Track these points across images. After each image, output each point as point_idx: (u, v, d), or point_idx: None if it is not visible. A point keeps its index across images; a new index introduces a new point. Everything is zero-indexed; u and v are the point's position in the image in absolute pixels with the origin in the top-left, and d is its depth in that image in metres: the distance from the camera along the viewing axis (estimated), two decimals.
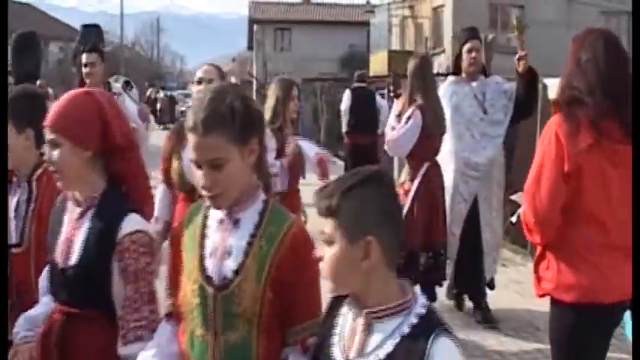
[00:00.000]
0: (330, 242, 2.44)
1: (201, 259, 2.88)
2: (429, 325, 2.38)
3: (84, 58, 8.11)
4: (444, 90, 7.69)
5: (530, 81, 7.23)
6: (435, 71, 11.55)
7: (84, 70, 8.05)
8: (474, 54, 7.57)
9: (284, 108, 6.87)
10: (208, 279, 2.85)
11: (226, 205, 2.86)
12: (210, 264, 2.87)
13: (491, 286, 7.79)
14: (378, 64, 38.17)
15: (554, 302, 3.91)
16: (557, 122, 3.81)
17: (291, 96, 6.95)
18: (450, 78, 7.87)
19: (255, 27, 62.62)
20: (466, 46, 7.63)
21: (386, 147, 7.48)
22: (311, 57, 51.27)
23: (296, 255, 2.78)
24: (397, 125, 7.20)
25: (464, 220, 7.47)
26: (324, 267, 2.48)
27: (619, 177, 3.77)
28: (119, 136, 3.23)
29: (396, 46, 38.79)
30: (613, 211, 3.77)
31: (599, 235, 3.77)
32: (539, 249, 3.97)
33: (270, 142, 6.58)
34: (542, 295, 3.96)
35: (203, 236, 2.93)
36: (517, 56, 7.16)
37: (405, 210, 6.80)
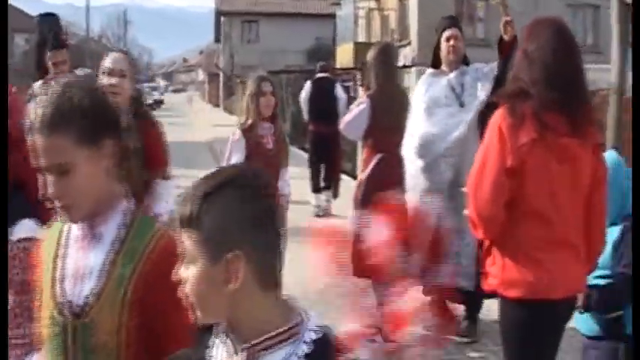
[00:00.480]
0: (190, 260, 2.00)
1: (54, 282, 2.51)
2: (325, 353, 2.00)
3: (51, 56, 7.59)
4: (421, 83, 7.15)
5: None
6: (400, 63, 11.55)
7: (53, 69, 7.55)
8: (452, 42, 7.01)
9: (256, 105, 6.59)
10: (63, 306, 2.47)
11: (80, 217, 2.49)
12: (67, 287, 2.49)
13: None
14: (344, 56, 38.16)
15: (501, 298, 3.90)
16: (501, 115, 3.75)
17: (262, 91, 6.61)
18: (429, 71, 7.24)
19: (222, 19, 62.48)
20: (445, 34, 7.05)
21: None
22: (278, 49, 51.20)
23: (164, 272, 2.23)
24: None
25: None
26: (185, 291, 2.02)
27: (564, 172, 3.72)
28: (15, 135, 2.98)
29: (362, 38, 38.74)
30: (558, 206, 3.73)
31: (544, 231, 3.72)
32: (485, 244, 3.92)
33: (238, 144, 6.47)
34: (489, 291, 3.95)
35: (57, 256, 2.55)
36: (503, 22, 6.47)
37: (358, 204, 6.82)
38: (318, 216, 13.48)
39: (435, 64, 7.17)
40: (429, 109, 6.81)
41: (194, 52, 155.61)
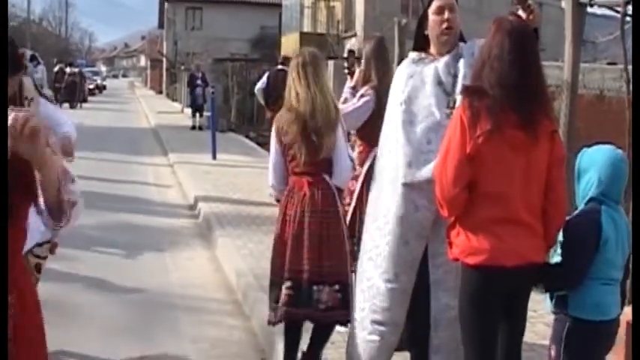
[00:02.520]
0: None
1: None
2: None
3: None
4: (399, 73, 5.16)
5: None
6: (345, 54, 11.61)
7: None
8: (447, 15, 4.92)
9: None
10: None
11: None
12: None
13: None
14: (289, 45, 38.16)
15: (462, 267, 4.22)
16: (462, 108, 4.11)
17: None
18: (412, 54, 5.19)
19: (166, 5, 62.02)
20: (434, 5, 4.96)
21: None
22: (222, 37, 50.94)
23: None
24: (351, 98, 7.04)
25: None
26: None
27: (518, 160, 4.05)
28: None
29: (307, 28, 38.87)
30: (512, 189, 4.06)
31: (502, 211, 4.07)
32: (451, 219, 4.26)
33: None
34: (454, 259, 4.26)
35: None
36: (526, 3, 4.55)
37: (354, 198, 6.60)
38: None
39: (420, 45, 5.14)
40: (410, 117, 4.89)
41: (136, 37, 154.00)
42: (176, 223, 11.99)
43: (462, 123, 4.05)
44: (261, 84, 15.16)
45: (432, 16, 4.96)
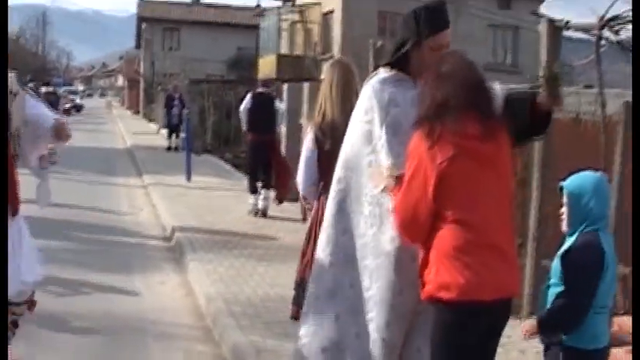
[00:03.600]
0: None
1: None
2: None
3: None
4: (375, 92, 4.59)
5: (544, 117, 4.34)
6: (322, 76, 11.53)
7: None
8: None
9: None
10: None
11: None
12: None
13: None
14: (266, 67, 38.12)
15: (435, 304, 3.98)
16: (418, 138, 3.96)
17: None
18: (385, 73, 4.67)
19: (143, 25, 61.91)
20: (439, 42, 4.46)
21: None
22: (199, 58, 50.89)
23: None
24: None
25: None
26: None
27: (488, 178, 3.94)
28: None
29: (285, 50, 38.83)
30: (481, 212, 3.91)
31: (469, 235, 3.88)
32: (422, 254, 4.07)
33: None
34: (426, 299, 4.04)
35: None
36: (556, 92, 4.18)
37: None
38: (255, 214, 14.10)
39: (399, 64, 4.63)
40: (399, 149, 4.35)
41: (114, 57, 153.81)
42: (148, 246, 11.83)
43: (421, 153, 3.92)
44: (246, 104, 14.97)
45: (430, 51, 4.45)
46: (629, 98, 7.82)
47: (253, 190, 14.50)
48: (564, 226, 4.23)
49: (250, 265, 9.85)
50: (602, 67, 7.26)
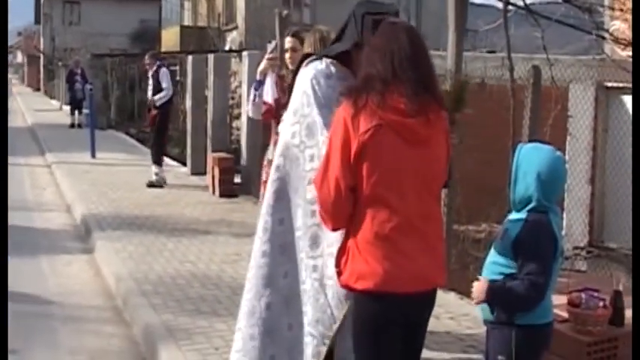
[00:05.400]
0: None
1: None
2: None
3: None
4: (320, 88, 4.48)
5: None
6: (227, 47, 11.36)
7: None
8: None
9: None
10: None
11: None
12: None
13: None
14: (170, 39, 37.66)
15: (352, 292, 3.81)
16: (344, 107, 3.72)
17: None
18: (327, 66, 4.53)
19: (42, 0, 60.52)
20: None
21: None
22: (101, 32, 49.99)
23: None
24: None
25: None
26: None
27: (415, 156, 3.69)
28: None
29: (188, 21, 38.41)
30: (403, 191, 3.69)
31: (390, 219, 3.66)
32: (340, 244, 3.86)
33: None
34: (342, 287, 3.86)
35: None
36: None
37: None
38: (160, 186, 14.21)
39: (338, 57, 4.55)
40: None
41: (12, 33, 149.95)
42: (53, 226, 11.54)
43: (344, 123, 3.66)
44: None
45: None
46: (536, 62, 7.88)
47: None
48: (510, 194, 4.05)
49: (160, 242, 9.67)
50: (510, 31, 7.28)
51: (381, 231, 3.66)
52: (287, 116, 4.71)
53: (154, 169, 14.45)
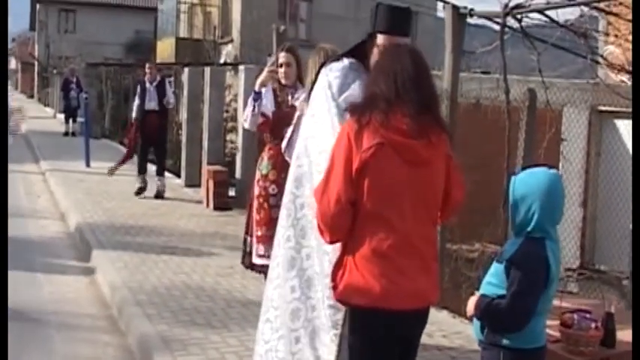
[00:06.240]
0: None
1: None
2: None
3: None
4: (340, 72, 4.67)
5: None
6: (222, 60, 11.40)
7: None
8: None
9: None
10: None
11: None
12: None
13: None
14: (165, 50, 37.67)
15: (347, 307, 3.90)
16: (348, 123, 3.83)
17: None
18: (348, 61, 4.71)
19: (38, 6, 60.49)
20: (379, 41, 4.50)
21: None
22: (97, 41, 50.05)
23: None
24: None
25: None
26: None
27: (416, 176, 3.79)
28: None
29: (184, 33, 38.39)
30: (402, 210, 3.77)
31: (389, 237, 3.75)
32: (337, 257, 3.92)
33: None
34: (339, 301, 3.93)
35: None
36: None
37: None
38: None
39: (357, 55, 4.74)
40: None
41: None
42: (47, 234, 11.57)
43: (348, 139, 3.75)
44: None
45: (376, 48, 4.54)
46: (531, 84, 7.98)
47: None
48: (510, 220, 4.11)
49: (154, 253, 9.71)
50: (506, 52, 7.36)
51: (379, 248, 3.73)
52: (306, 116, 4.88)
53: (159, 180, 14.59)
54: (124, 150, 23.40)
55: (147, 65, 14.98)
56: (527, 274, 3.87)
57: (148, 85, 14.62)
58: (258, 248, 6.74)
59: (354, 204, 3.78)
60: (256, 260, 6.75)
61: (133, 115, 14.98)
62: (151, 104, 14.52)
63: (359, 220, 3.79)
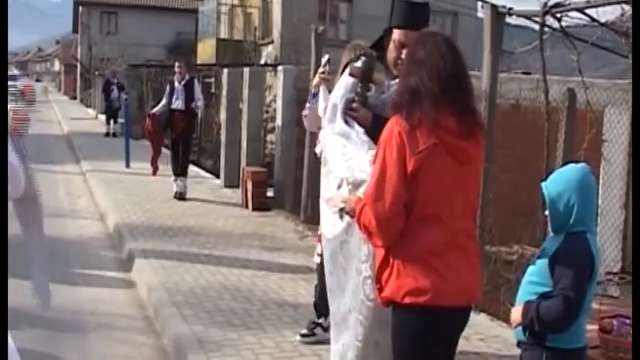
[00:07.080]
0: None
1: None
2: None
3: None
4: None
5: None
6: (262, 61, 11.41)
7: None
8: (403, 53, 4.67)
9: None
10: None
11: None
12: None
13: None
14: (205, 52, 37.83)
15: (395, 308, 3.83)
16: (397, 122, 3.72)
17: None
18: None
19: (80, 9, 61.04)
20: (395, 37, 4.94)
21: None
22: (138, 42, 50.35)
23: None
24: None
25: None
26: None
27: (464, 174, 3.79)
28: None
29: (224, 34, 38.52)
30: (452, 209, 3.76)
31: (441, 235, 3.72)
32: (379, 257, 3.87)
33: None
34: (384, 303, 3.88)
35: None
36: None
37: None
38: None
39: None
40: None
41: (50, 42, 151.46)
42: (86, 233, 11.64)
43: (399, 138, 3.66)
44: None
45: (391, 42, 5.01)
46: (571, 85, 7.87)
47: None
48: (550, 228, 4.06)
49: (192, 253, 9.72)
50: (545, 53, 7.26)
51: (430, 246, 3.71)
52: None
53: (181, 181, 14.61)
54: (164, 151, 23.62)
55: (176, 64, 14.94)
56: (574, 270, 3.84)
57: (176, 84, 14.59)
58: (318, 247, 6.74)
59: (406, 205, 3.72)
60: (316, 259, 6.73)
61: (153, 110, 15.10)
62: (177, 103, 14.53)
63: (411, 220, 3.73)
